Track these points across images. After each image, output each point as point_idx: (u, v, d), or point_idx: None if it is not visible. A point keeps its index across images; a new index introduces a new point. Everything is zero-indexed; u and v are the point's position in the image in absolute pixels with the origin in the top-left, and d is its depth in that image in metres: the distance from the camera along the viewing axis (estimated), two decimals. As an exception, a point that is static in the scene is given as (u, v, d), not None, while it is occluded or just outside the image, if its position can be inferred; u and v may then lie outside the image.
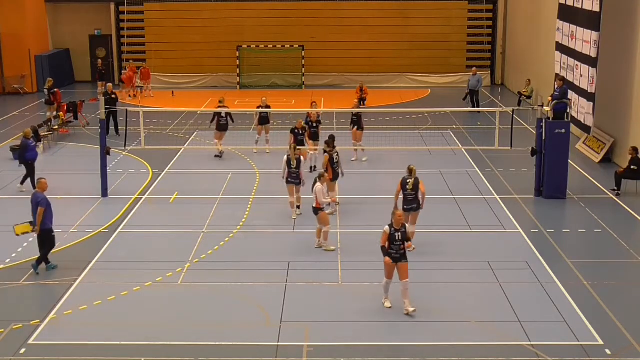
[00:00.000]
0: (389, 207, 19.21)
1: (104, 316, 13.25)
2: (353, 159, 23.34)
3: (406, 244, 13.38)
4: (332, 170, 18.32)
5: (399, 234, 13.20)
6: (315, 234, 16.48)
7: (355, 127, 23.34)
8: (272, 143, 24.19)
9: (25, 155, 20.38)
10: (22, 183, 20.39)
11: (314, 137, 22.12)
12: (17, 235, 15.05)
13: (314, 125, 21.81)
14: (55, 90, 28.54)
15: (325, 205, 16.37)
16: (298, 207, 18.42)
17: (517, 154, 21.49)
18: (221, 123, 23.88)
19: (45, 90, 28.78)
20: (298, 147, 18.65)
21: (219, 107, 24.24)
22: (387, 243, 13.20)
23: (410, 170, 16.16)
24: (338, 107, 31.32)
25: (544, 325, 12.83)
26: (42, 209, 14.76)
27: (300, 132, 21.50)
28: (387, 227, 13.24)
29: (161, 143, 25.33)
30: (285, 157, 18.13)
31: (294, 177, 18.11)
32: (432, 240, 16.75)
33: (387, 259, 13.15)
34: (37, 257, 15.12)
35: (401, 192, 16.13)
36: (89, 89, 37.04)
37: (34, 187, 20.09)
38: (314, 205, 16.22)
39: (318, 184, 16.19)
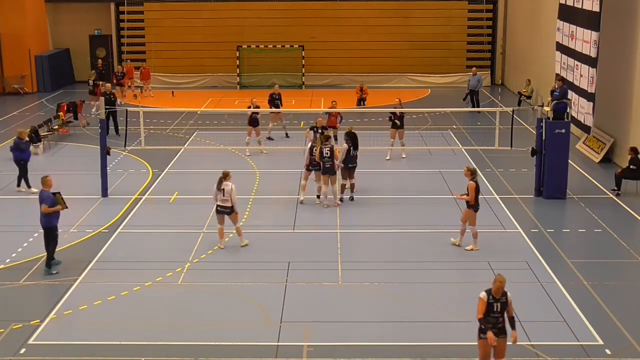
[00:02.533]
0: (388, 207, 19.37)
1: (104, 316, 13.25)
2: (387, 157, 23.78)
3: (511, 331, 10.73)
4: (322, 163, 18.87)
5: (499, 304, 10.69)
6: (220, 236, 16.59)
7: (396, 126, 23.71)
8: (271, 143, 24.19)
9: (16, 154, 20.49)
10: (18, 185, 20.44)
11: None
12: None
13: (320, 131, 21.85)
14: (100, 82, 30.64)
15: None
16: (318, 196, 19.24)
17: (517, 154, 21.48)
18: (252, 117, 24.34)
19: (90, 82, 31.10)
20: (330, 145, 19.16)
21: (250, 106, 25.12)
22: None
23: (474, 172, 16.21)
24: (338, 107, 31.25)
25: (544, 325, 12.82)
26: (45, 206, 14.74)
27: (320, 130, 21.65)
28: (483, 294, 10.70)
29: (161, 143, 25.32)
30: (309, 144, 19.19)
31: (314, 165, 19.03)
32: (433, 240, 16.74)
33: (490, 334, 10.51)
34: (44, 258, 15.19)
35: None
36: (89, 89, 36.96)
37: (28, 187, 20.19)
38: (229, 205, 16.09)
39: (232, 184, 16.17)
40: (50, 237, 15.10)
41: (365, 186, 20.50)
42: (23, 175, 20.38)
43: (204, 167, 22.98)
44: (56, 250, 15.45)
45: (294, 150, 22.37)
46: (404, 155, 23.84)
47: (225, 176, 16.18)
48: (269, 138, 25.69)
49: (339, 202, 19.20)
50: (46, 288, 14.46)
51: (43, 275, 14.91)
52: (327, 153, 18.80)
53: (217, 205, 16.15)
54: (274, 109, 26.29)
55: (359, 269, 15.25)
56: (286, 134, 26.37)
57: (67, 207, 15.09)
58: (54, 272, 14.99)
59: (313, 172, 19.27)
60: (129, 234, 17.41)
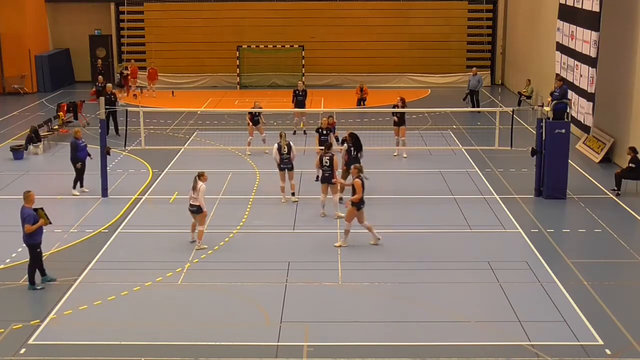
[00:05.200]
0: (389, 207, 19.36)
1: (104, 316, 13.25)
2: (395, 154, 23.98)
3: None
4: (322, 172, 18.62)
5: None
6: (191, 229, 16.79)
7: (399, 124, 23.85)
8: (270, 143, 24.15)
9: (76, 155, 20.13)
10: (78, 187, 20.13)
11: (324, 144, 22.07)
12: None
13: (325, 132, 21.80)
14: (127, 73, 31.57)
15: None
16: (292, 194, 19.48)
17: (517, 154, 21.49)
18: (254, 118, 24.66)
19: (118, 74, 32.50)
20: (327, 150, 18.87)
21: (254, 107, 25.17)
22: None
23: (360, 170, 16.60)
24: (338, 107, 31.34)
25: (544, 325, 12.82)
26: (28, 226, 14.11)
27: (325, 132, 21.59)
28: None
29: (161, 143, 25.32)
30: (276, 144, 19.21)
31: (285, 163, 19.12)
32: (433, 240, 16.74)
33: None
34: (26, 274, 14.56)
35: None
36: (89, 89, 36.88)
37: (82, 186, 20.10)
38: (197, 204, 16.24)
39: (202, 184, 16.28)
40: (34, 254, 14.37)
41: (365, 186, 20.43)
42: (80, 175, 20.12)
43: (204, 167, 22.88)
44: (56, 250, 15.46)
45: (295, 150, 22.31)
46: (405, 156, 23.84)
47: (200, 176, 16.47)
48: (305, 132, 26.68)
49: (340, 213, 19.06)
50: (46, 288, 14.44)
51: (27, 290, 14.33)
52: (326, 162, 18.44)
53: (189, 204, 16.45)
54: (297, 109, 27.48)
55: (359, 269, 15.25)
56: (294, 131, 26.66)
57: (50, 223, 14.47)
58: (39, 287, 14.33)
59: (286, 170, 19.31)
60: (129, 234, 17.41)
